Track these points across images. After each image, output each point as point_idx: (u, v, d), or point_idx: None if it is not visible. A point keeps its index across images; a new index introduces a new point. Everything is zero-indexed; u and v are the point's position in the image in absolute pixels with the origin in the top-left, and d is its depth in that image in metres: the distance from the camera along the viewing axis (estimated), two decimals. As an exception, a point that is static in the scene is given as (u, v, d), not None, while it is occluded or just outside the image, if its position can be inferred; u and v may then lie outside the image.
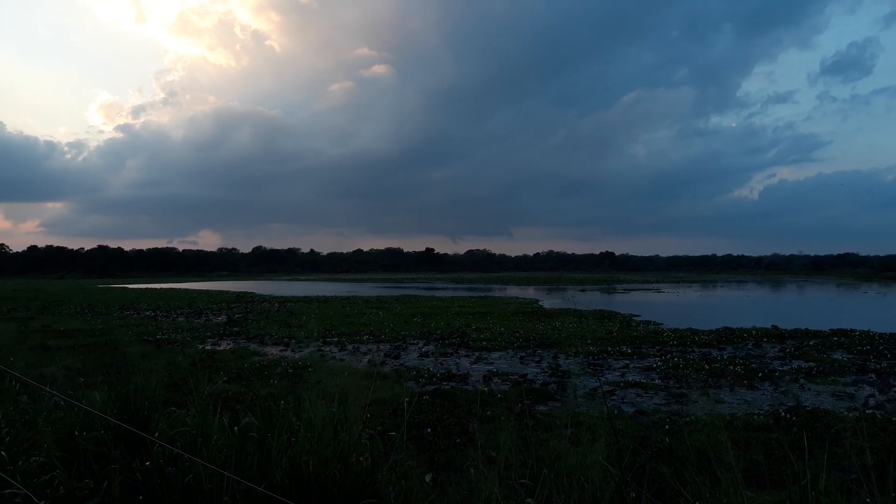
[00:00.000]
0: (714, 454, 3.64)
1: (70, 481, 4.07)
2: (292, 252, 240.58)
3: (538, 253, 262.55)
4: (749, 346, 16.33)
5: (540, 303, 37.95)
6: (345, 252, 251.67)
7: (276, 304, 35.15)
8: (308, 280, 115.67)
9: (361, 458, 3.89)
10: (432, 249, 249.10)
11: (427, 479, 4.17)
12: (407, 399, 8.34)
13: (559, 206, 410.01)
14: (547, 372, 12.29)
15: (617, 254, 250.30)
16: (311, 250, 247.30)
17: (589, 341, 16.81)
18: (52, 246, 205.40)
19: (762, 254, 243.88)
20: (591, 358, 14.18)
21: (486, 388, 10.34)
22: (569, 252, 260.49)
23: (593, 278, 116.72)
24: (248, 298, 42.55)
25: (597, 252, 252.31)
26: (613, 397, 9.87)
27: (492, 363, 13.58)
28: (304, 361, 13.12)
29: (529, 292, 57.77)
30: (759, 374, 11.75)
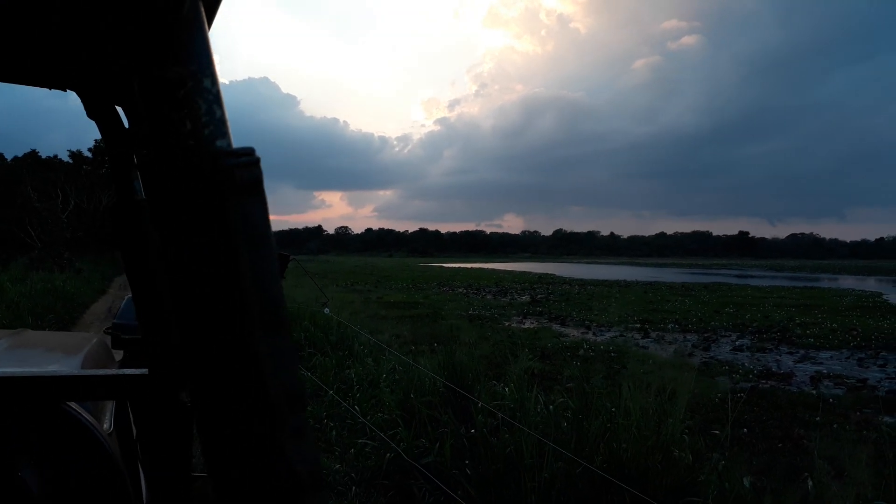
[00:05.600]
0: None
1: (410, 438, 4.64)
2: (591, 235, 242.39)
3: (882, 238, 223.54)
4: None
5: (884, 297, 32.11)
6: (646, 235, 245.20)
7: (577, 287, 35.55)
8: (607, 264, 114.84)
9: (682, 454, 3.73)
10: (746, 233, 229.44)
11: (746, 482, 3.89)
12: (719, 396, 7.86)
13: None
14: (894, 378, 10.52)
15: None
16: (611, 233, 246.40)
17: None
18: (382, 228, 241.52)
19: None
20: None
21: (813, 391, 9.26)
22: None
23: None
24: (548, 280, 43.86)
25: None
26: None
27: (821, 363, 11.98)
28: (607, 346, 13.05)
29: (869, 283, 49.23)
30: None
